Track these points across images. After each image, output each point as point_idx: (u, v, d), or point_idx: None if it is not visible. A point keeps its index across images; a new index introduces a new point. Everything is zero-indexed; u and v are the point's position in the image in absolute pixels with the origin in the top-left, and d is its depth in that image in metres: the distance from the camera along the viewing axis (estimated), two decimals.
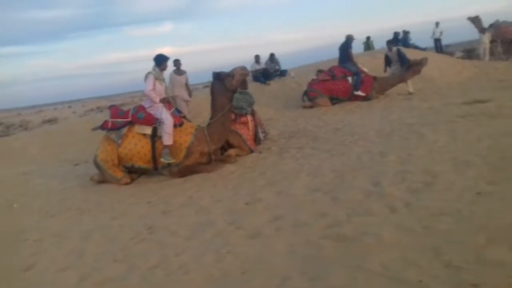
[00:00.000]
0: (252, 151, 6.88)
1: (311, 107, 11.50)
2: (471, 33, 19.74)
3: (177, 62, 9.99)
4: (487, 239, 2.75)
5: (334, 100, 11.51)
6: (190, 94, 10.25)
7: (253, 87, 13.35)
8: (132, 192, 5.86)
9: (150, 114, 6.20)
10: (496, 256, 2.53)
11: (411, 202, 3.65)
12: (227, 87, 6.33)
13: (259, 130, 7.54)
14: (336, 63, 12.31)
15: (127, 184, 6.27)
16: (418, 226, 3.15)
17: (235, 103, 6.86)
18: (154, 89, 6.17)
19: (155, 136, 6.15)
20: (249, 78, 13.62)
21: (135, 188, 6.10)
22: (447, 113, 7.35)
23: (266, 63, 14.80)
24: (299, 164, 5.74)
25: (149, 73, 6.24)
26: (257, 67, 14.33)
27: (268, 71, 14.53)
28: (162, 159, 6.05)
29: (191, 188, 5.49)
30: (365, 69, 11.84)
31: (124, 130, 6.25)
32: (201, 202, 4.80)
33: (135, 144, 6.19)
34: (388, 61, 12.27)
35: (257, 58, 14.55)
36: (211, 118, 6.47)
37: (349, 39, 11.87)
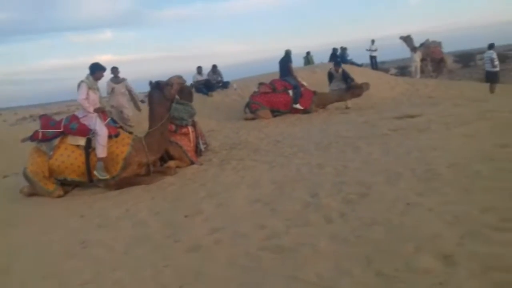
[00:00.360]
0: (192, 163, 6.81)
1: (253, 119, 11.63)
2: (405, 51, 20.95)
3: (114, 70, 9.77)
4: (415, 248, 2.90)
5: (276, 112, 11.73)
6: (136, 104, 9.86)
7: (195, 98, 13.23)
8: (65, 205, 5.60)
9: (84, 125, 5.96)
10: (424, 264, 2.67)
11: (346, 213, 3.78)
12: (166, 96, 6.24)
13: (200, 141, 7.49)
14: (277, 76, 12.59)
15: (60, 196, 5.98)
16: (352, 236, 3.26)
17: (176, 114, 6.79)
18: (87, 98, 5.95)
19: (89, 148, 5.92)
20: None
21: (68, 201, 5.83)
22: (381, 127, 7.71)
23: (208, 75, 14.83)
24: (239, 176, 5.76)
25: (82, 81, 6.01)
26: (200, 78, 14.33)
27: (211, 83, 14.56)
28: (95, 173, 5.83)
29: (128, 201, 5.33)
30: (304, 83, 12.21)
31: (56, 141, 5.96)
32: (139, 215, 4.68)
33: (68, 156, 5.92)
34: (331, 78, 12.66)
35: (199, 69, 14.56)
36: (149, 128, 6.33)
37: (288, 54, 12.24)
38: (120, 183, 5.95)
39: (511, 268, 2.45)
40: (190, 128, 7.16)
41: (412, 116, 8.22)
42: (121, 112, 9.73)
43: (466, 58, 47.66)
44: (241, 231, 3.73)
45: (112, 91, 9.65)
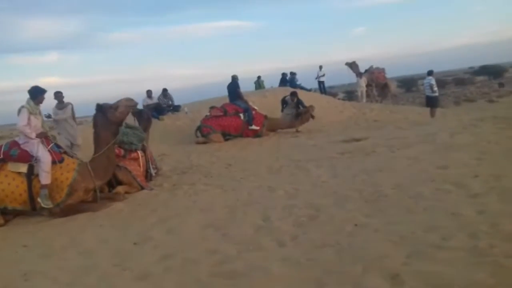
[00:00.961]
0: (142, 188, 6.64)
1: (204, 142, 11.58)
2: (351, 76, 21.77)
3: (57, 95, 9.07)
4: (363, 269, 2.97)
5: (227, 136, 11.76)
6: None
7: None
8: (6, 235, 5.25)
9: (25, 151, 5.65)
10: (372, 284, 2.75)
11: (297, 235, 3.83)
12: (110, 119, 6.04)
13: (151, 166, 7.34)
14: (227, 100, 12.67)
15: (0, 226, 5.62)
16: (303, 258, 3.30)
17: (125, 139, 6.63)
18: (29, 124, 5.66)
19: (31, 175, 5.63)
20: None
21: (9, 230, 5.46)
22: (329, 150, 7.94)
23: (159, 98, 14.65)
24: (191, 201, 5.69)
25: (22, 107, 5.72)
26: (150, 102, 14.10)
27: (161, 106, 14.38)
28: (39, 200, 5.55)
29: (74, 229, 5.10)
30: (255, 107, 12.37)
31: None
32: (85, 244, 4.48)
33: (8, 184, 5.59)
34: (284, 104, 12.80)
35: (149, 93, 14.31)
36: (94, 153, 6.11)
37: (235, 79, 12.41)
38: (66, 211, 5.67)
39: (453, 286, 2.56)
40: (140, 153, 7.01)
41: (358, 140, 8.53)
42: (70, 143, 9.02)
43: (408, 83, 50.40)
44: (192, 257, 3.67)
45: (56, 119, 9.01)
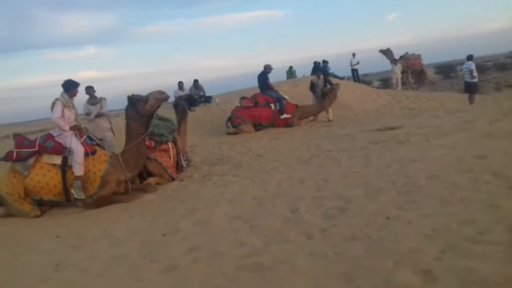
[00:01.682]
0: (173, 179, 6.72)
1: (235, 133, 11.58)
2: (386, 64, 21.20)
3: (89, 90, 8.51)
4: (394, 263, 2.85)
5: (258, 126, 11.71)
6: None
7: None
8: (42, 226, 5.44)
9: (59, 143, 5.82)
10: (403, 280, 2.63)
11: (326, 228, 3.73)
12: (140, 112, 6.08)
13: (181, 157, 7.40)
14: (258, 91, 12.60)
15: (36, 217, 5.82)
16: (331, 252, 3.21)
17: (156, 130, 6.69)
18: (63, 116, 5.81)
19: (65, 166, 5.78)
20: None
21: (45, 221, 5.67)
22: (362, 140, 7.74)
23: (190, 90, 14.74)
24: (220, 192, 5.69)
25: (56, 99, 5.86)
26: (181, 93, 14.20)
27: (193, 98, 14.46)
28: (72, 191, 5.69)
29: (106, 220, 5.21)
30: (286, 97, 12.24)
31: (31, 160, 5.81)
32: (116, 235, 4.56)
33: (44, 176, 5.77)
34: (313, 88, 12.66)
35: (180, 84, 14.41)
36: (125, 145, 6.21)
37: (266, 69, 12.25)
38: (99, 202, 5.81)
39: (489, 282, 2.41)
40: (170, 144, 7.07)
41: (392, 128, 8.27)
42: (101, 139, 7.89)
43: (447, 69, 48.67)
44: (219, 249, 3.65)
45: (88, 114, 8.45)
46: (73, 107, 6.07)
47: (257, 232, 3.94)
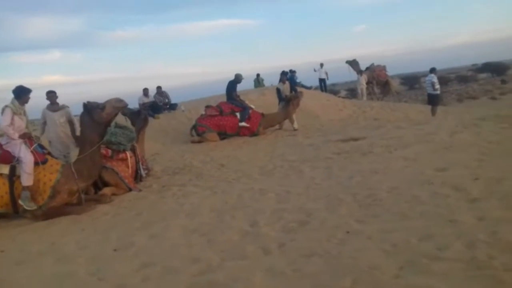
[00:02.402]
0: (130, 189, 6.43)
1: (200, 142, 11.37)
2: (353, 74, 21.48)
3: (50, 95, 7.39)
4: (352, 281, 2.76)
5: (223, 135, 11.54)
6: (75, 138, 7.22)
7: None
8: None
9: (8, 152, 5.46)
10: None
11: (285, 243, 3.60)
12: (95, 120, 5.83)
13: (141, 167, 7.12)
14: (225, 99, 12.43)
15: None
16: (289, 269, 3.08)
17: (113, 139, 6.40)
18: (12, 124, 5.47)
19: (13, 176, 5.42)
20: None
21: None
22: (325, 150, 7.69)
23: (154, 97, 14.42)
24: (179, 204, 5.47)
25: (6, 106, 5.54)
26: (146, 100, 13.88)
27: (157, 104, 14.15)
28: (20, 202, 5.34)
29: (55, 233, 4.90)
30: (252, 106, 12.14)
31: None
32: (64, 249, 4.27)
33: None
34: (279, 94, 12.55)
35: (145, 91, 14.09)
36: (79, 154, 5.91)
37: (237, 78, 12.07)
38: (48, 213, 5.47)
39: None
40: (128, 153, 6.78)
41: (356, 139, 8.28)
42: (63, 156, 7.14)
43: (411, 81, 50.18)
44: (173, 266, 3.46)
45: (46, 121, 7.34)
46: (24, 114, 5.73)
47: (213, 247, 3.77)
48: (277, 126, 12.37)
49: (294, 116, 12.08)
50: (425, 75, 21.73)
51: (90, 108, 5.80)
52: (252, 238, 3.86)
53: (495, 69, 51.55)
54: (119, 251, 4.02)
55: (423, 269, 2.77)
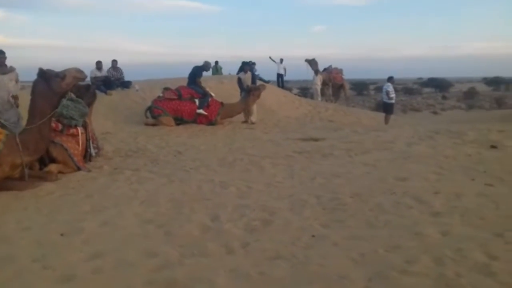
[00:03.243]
0: (79, 169, 6.00)
1: (154, 125, 10.94)
2: (306, 73, 21.61)
3: (0, 56, 6.63)
4: None
5: (179, 121, 11.17)
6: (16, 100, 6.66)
7: None
8: None
9: None
10: None
11: (249, 242, 3.45)
12: (53, 89, 5.37)
13: (91, 145, 6.66)
14: (183, 83, 12.05)
15: None
16: (254, 271, 2.93)
17: (65, 112, 5.93)
18: None
19: None
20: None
21: None
22: (286, 148, 7.61)
23: (108, 71, 13.67)
24: (133, 189, 5.15)
25: None
26: (98, 74, 13.12)
27: (110, 80, 13.44)
28: None
29: None
30: (212, 94, 11.86)
31: None
32: (4, 229, 3.88)
33: None
34: (240, 84, 12.35)
35: (98, 64, 13.25)
36: (27, 124, 5.41)
37: (205, 65, 11.77)
38: None
39: None
40: (80, 129, 6.32)
41: (316, 140, 8.26)
42: (9, 119, 6.33)
43: (361, 87, 51.78)
44: (127, 258, 3.20)
45: None
46: None
47: (172, 241, 3.54)
48: (242, 118, 12.07)
49: (254, 109, 11.92)
50: (373, 82, 22.36)
51: (48, 76, 5.31)
52: (213, 234, 3.67)
53: (439, 84, 54.42)
54: (67, 236, 3.70)
55: (393, 283, 2.72)
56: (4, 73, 6.64)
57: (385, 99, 14.13)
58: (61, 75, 5.28)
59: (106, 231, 3.82)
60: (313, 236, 3.55)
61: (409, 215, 3.95)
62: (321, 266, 3.00)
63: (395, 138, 7.84)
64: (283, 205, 4.36)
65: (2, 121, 5.76)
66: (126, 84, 14.04)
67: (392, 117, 14.82)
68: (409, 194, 4.50)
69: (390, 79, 14.05)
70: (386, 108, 14.23)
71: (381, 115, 14.83)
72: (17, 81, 6.81)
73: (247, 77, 12.21)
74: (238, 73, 19.37)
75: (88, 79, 13.04)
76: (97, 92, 12.69)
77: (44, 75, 5.32)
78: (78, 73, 5.42)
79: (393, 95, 13.86)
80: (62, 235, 3.72)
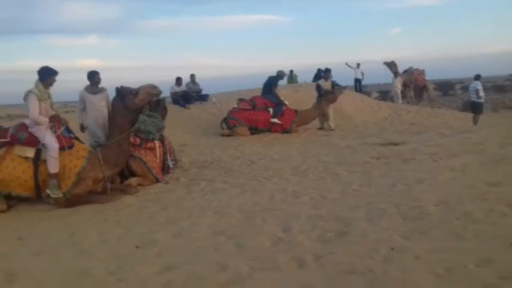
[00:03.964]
0: (157, 181, 6.20)
1: (230, 135, 11.11)
2: (386, 76, 20.90)
3: (95, 76, 6.49)
4: None
5: (254, 130, 11.23)
6: None
7: (172, 110, 12.69)
8: (4, 223, 4.90)
9: (33, 135, 5.26)
10: None
11: (322, 255, 3.25)
12: (127, 105, 5.61)
13: (169, 158, 6.88)
14: (258, 93, 12.12)
15: (2, 212, 5.27)
16: (327, 287, 2.74)
17: (142, 127, 6.18)
18: (40, 111, 5.23)
19: (38, 160, 5.23)
20: (169, 101, 12.98)
21: (9, 218, 5.11)
22: (363, 153, 7.27)
23: (187, 85, 14.18)
24: (206, 200, 5.19)
25: (29, 92, 5.20)
26: (177, 89, 13.68)
27: (189, 94, 13.93)
28: (48, 191, 5.16)
29: (76, 222, 4.69)
30: (286, 102, 11.77)
31: (1, 151, 5.23)
32: (84, 242, 4.04)
33: (14, 168, 5.20)
34: (319, 91, 12.20)
35: (178, 80, 13.83)
36: (107, 139, 5.70)
37: (279, 75, 11.78)
38: (72, 201, 5.28)
39: None
40: (157, 143, 6.55)
41: (395, 144, 7.81)
42: (100, 139, 6.28)
43: (446, 87, 48.71)
44: (198, 271, 3.16)
45: (85, 105, 6.50)
46: (49, 96, 5.48)
47: (242, 253, 3.45)
48: (318, 125, 11.88)
49: (331, 114, 11.62)
50: (460, 81, 20.94)
51: (123, 93, 5.59)
52: (285, 246, 3.53)
53: None
54: (142, 249, 3.76)
55: None
56: (95, 93, 6.52)
57: (474, 98, 13.10)
58: (134, 92, 5.51)
59: (179, 242, 3.84)
60: (392, 248, 3.26)
61: (503, 224, 3.49)
62: (401, 281, 2.72)
63: (485, 139, 7.15)
64: (359, 215, 4.09)
65: (93, 141, 6.10)
66: (203, 97, 14.48)
67: (482, 117, 13.70)
68: (503, 201, 4.00)
69: (477, 77, 13.03)
70: (475, 108, 13.17)
71: (469, 115, 13.75)
72: (108, 100, 6.58)
73: (327, 84, 11.95)
74: (313, 80, 19.19)
75: (168, 94, 13.65)
76: (176, 106, 13.31)
77: (120, 93, 5.59)
78: (151, 89, 5.60)
79: (482, 93, 12.80)
80: (137, 247, 3.80)
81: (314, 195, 4.94)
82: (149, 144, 6.41)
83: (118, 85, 5.73)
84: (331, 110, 11.67)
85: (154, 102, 6.98)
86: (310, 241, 3.57)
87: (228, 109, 12.20)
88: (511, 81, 55.58)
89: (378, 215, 4.03)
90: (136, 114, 5.74)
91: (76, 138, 5.72)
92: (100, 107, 6.43)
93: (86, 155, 5.45)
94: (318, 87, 12.02)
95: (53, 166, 5.13)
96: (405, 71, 20.65)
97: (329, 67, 19.21)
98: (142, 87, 5.64)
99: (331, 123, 11.56)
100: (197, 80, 14.68)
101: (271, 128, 11.24)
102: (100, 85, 6.60)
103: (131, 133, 5.88)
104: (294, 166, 6.71)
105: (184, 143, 9.95)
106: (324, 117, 11.73)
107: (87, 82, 6.57)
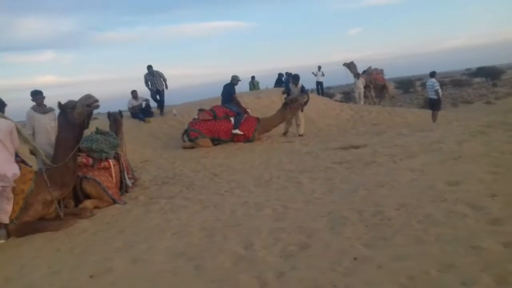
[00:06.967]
0: (115, 202, 5.92)
1: (192, 147, 10.89)
2: (349, 77, 21.18)
3: (38, 97, 6.21)
4: None
5: (216, 141, 11.04)
6: None
7: (131, 125, 12.35)
8: None
9: None
10: None
11: (284, 272, 3.13)
12: (69, 121, 5.29)
13: (126, 176, 6.61)
14: (219, 102, 11.96)
15: None
16: None
17: (94, 146, 5.90)
18: None
19: None
20: (127, 115, 12.62)
21: None
22: (325, 159, 7.24)
23: (146, 76, 13.26)
24: (166, 219, 4.98)
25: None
26: (135, 103, 13.27)
27: (148, 107, 13.55)
28: None
29: (27, 254, 4.39)
30: (248, 110, 11.67)
31: None
32: (33, 276, 3.77)
33: None
34: (288, 92, 12.16)
35: (134, 93, 13.26)
36: (52, 159, 5.38)
37: (233, 80, 11.53)
38: (22, 229, 4.95)
39: None
40: (111, 162, 6.27)
41: (357, 147, 7.82)
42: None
43: (406, 84, 50.07)
44: None
45: (35, 126, 6.15)
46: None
47: (201, 276, 3.30)
48: (282, 129, 11.83)
49: (303, 120, 11.61)
50: (419, 78, 21.47)
51: (63, 108, 5.29)
52: (246, 264, 3.39)
53: (489, 73, 51.53)
54: (95, 278, 3.54)
55: None
56: (44, 113, 6.27)
57: (432, 95, 13.38)
58: (71, 106, 5.20)
59: (135, 269, 3.64)
60: (355, 259, 3.18)
61: (463, 225, 3.48)
62: None
63: (443, 137, 7.27)
64: (322, 225, 4.01)
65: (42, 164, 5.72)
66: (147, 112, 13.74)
67: (441, 113, 14.03)
68: (463, 200, 4.02)
69: (433, 74, 13.32)
70: (433, 105, 13.46)
71: (428, 112, 14.05)
72: (55, 120, 6.30)
73: (297, 90, 11.89)
74: (275, 86, 19.20)
75: (126, 109, 13.26)
76: (136, 120, 12.95)
77: (62, 108, 5.30)
78: (86, 100, 5.19)
79: (440, 90, 13.11)
80: (91, 277, 3.57)
81: (276, 206, 4.83)
82: (103, 164, 6.11)
83: (60, 101, 5.38)
84: (302, 116, 11.65)
85: (107, 116, 6.71)
86: (273, 257, 3.45)
87: (189, 120, 11.98)
88: (467, 76, 57.69)
89: (341, 224, 3.96)
90: (79, 128, 5.38)
91: (22, 161, 5.38)
92: (50, 127, 6.18)
93: (33, 177, 5.13)
94: (288, 91, 12.03)
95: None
96: (364, 72, 21.02)
97: (290, 71, 19.39)
98: (79, 99, 5.31)
99: (301, 129, 11.54)
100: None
101: (233, 138, 11.07)
102: (51, 104, 6.25)
103: (83, 153, 5.59)
104: (257, 177, 6.60)
105: (145, 159, 9.66)
106: (287, 123, 11.73)
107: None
